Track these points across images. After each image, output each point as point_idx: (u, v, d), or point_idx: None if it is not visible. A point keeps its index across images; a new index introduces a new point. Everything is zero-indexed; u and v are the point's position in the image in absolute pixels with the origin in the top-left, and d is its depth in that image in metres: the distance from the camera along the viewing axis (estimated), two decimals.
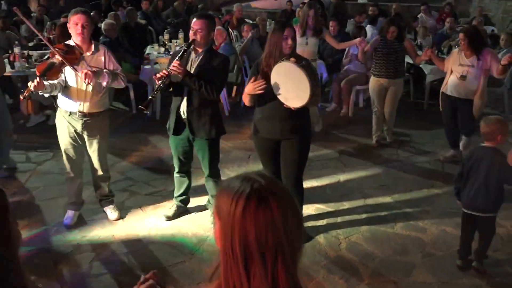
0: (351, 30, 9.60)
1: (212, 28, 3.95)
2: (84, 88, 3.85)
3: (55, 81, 3.77)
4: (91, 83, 3.75)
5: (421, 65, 7.75)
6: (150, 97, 3.80)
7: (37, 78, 3.57)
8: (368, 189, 5.00)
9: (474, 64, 5.32)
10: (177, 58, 3.78)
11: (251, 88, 3.60)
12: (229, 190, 1.24)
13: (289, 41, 3.61)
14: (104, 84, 3.86)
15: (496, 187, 3.52)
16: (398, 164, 5.67)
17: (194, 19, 3.87)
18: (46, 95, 3.84)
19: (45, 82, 3.66)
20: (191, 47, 3.88)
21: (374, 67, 6.17)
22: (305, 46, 6.11)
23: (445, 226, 4.32)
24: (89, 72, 3.69)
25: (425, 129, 6.72)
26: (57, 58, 3.68)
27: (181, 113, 3.96)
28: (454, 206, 4.56)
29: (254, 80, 3.59)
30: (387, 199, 4.80)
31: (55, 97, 4.06)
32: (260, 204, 1.20)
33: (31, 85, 3.56)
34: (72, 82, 3.85)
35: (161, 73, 3.74)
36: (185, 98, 3.91)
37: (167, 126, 4.14)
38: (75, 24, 3.79)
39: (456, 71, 5.41)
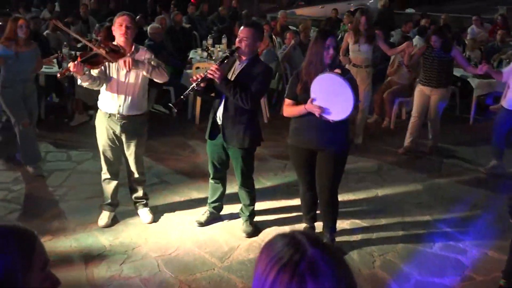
0: (397, 40, 9.39)
1: (259, 38, 3.91)
2: (123, 89, 3.90)
3: (94, 74, 3.84)
4: (131, 68, 3.77)
5: (468, 79, 7.49)
6: (181, 96, 3.82)
7: (77, 61, 3.66)
8: (407, 205, 4.83)
9: None
10: (217, 62, 3.79)
11: (313, 108, 3.52)
12: (270, 250, 1.10)
13: (331, 51, 3.55)
14: (144, 73, 3.85)
15: None
16: (439, 181, 5.46)
17: (242, 27, 3.86)
18: (84, 84, 3.88)
19: (85, 70, 3.73)
20: (235, 54, 3.86)
21: (420, 75, 6.12)
22: (358, 52, 6.05)
23: (487, 249, 4.11)
24: (129, 59, 3.73)
25: (470, 145, 6.48)
26: (101, 51, 3.76)
27: (217, 118, 3.95)
28: (499, 228, 4.37)
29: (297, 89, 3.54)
30: (426, 217, 4.62)
31: (98, 98, 4.13)
32: (292, 280, 1.03)
33: (70, 65, 3.66)
34: (113, 82, 3.92)
35: (197, 75, 3.76)
36: (222, 104, 3.90)
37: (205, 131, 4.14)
38: (119, 25, 3.87)
39: None
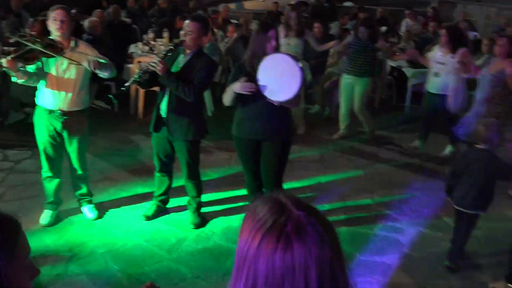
0: (336, 32, 9.66)
1: (204, 33, 3.93)
2: (63, 85, 3.82)
3: (30, 70, 3.73)
4: (96, 68, 3.70)
5: (403, 69, 7.84)
6: (122, 88, 3.81)
7: (10, 56, 3.51)
8: (348, 190, 5.03)
9: (448, 61, 5.51)
10: (160, 54, 3.78)
11: (240, 86, 3.58)
12: (253, 215, 1.05)
13: (273, 42, 3.63)
14: (92, 67, 3.76)
15: (485, 188, 3.64)
16: (378, 166, 5.72)
17: (187, 21, 3.86)
18: (20, 81, 3.75)
19: (19, 66, 3.59)
20: (179, 47, 3.86)
21: (345, 64, 6.39)
22: (288, 46, 6.16)
23: (423, 227, 4.36)
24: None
25: (407, 132, 6.78)
26: (37, 46, 3.63)
27: (161, 111, 3.95)
28: (432, 207, 4.66)
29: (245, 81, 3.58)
30: (366, 201, 4.83)
31: (34, 95, 4.01)
32: (278, 242, 0.99)
33: (3, 61, 3.51)
34: (52, 78, 3.82)
35: (139, 68, 3.76)
36: (165, 97, 3.90)
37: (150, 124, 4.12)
38: (53, 20, 3.77)
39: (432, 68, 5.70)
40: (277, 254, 0.97)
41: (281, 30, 6.34)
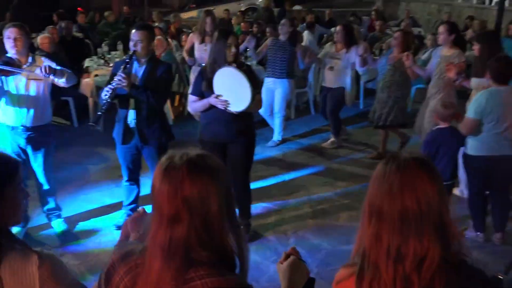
0: None
1: (152, 38, 4.04)
2: (24, 101, 3.83)
3: None
4: (48, 72, 3.71)
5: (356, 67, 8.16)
6: (99, 113, 3.83)
7: None
8: (312, 186, 5.23)
9: (342, 57, 5.98)
10: (120, 70, 3.81)
11: (215, 101, 3.73)
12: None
13: (233, 49, 3.76)
14: (56, 79, 3.79)
15: (455, 158, 4.16)
16: (339, 161, 5.96)
17: (134, 31, 3.95)
18: None
19: None
20: (133, 58, 3.95)
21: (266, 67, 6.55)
22: (204, 52, 6.06)
23: None
24: (47, 66, 3.68)
25: (362, 128, 7.07)
26: None
27: (129, 123, 4.01)
28: None
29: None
30: (330, 194, 5.04)
31: None
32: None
33: None
34: (13, 95, 3.82)
35: (107, 88, 3.79)
36: (131, 108, 3.96)
37: (114, 136, 4.17)
38: (7, 38, 3.78)
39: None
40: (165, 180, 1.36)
41: (196, 37, 6.40)
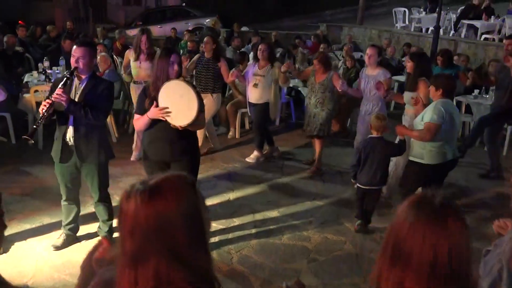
0: (232, 55, 10.03)
1: (94, 55, 3.99)
2: None
3: None
4: None
5: (299, 88, 8.39)
6: (34, 126, 3.73)
7: None
8: (256, 205, 5.27)
9: (267, 73, 6.33)
10: (60, 86, 3.73)
11: (156, 112, 3.69)
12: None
13: (175, 67, 3.77)
14: None
15: (386, 166, 4.70)
16: (282, 180, 6.05)
17: (75, 47, 3.88)
18: None
19: None
20: (74, 74, 3.87)
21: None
22: (139, 69, 6.29)
23: (327, 233, 4.70)
24: None
25: (305, 147, 7.22)
26: None
27: (67, 140, 3.92)
28: (333, 215, 5.05)
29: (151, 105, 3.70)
30: (274, 213, 5.10)
31: None
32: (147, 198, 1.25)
33: None
34: None
35: (44, 103, 3.69)
36: (70, 125, 3.89)
37: (52, 154, 4.06)
38: None
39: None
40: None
41: (131, 53, 6.48)
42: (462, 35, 13.02)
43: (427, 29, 14.18)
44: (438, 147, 4.41)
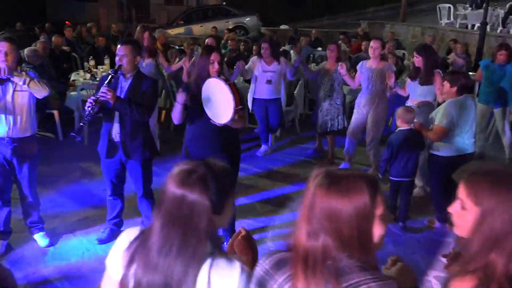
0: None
1: (137, 53, 4.07)
2: (10, 112, 3.83)
3: None
4: (6, 76, 3.71)
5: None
6: (81, 123, 3.84)
7: None
8: (297, 203, 5.24)
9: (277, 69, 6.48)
10: (105, 84, 3.84)
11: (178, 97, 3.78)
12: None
13: (216, 65, 3.82)
14: (21, 83, 3.79)
15: (416, 157, 4.76)
16: None
17: (119, 45, 3.98)
18: None
19: None
20: (118, 72, 3.97)
21: None
22: (142, 68, 6.11)
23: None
24: (5, 68, 3.68)
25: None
26: None
27: (113, 136, 4.03)
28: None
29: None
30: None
31: None
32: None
33: None
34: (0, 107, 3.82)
35: (90, 100, 3.78)
36: (116, 122, 3.99)
37: (98, 150, 4.18)
38: None
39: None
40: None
41: None
42: (511, 32, 12.57)
43: (473, 26, 13.77)
44: (454, 141, 4.48)
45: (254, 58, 6.74)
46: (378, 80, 5.78)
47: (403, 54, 11.55)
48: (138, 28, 6.65)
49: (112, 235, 4.38)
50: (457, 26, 14.60)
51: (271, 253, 1.55)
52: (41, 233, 4.29)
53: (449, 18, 15.41)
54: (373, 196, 1.38)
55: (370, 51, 5.88)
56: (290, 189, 5.64)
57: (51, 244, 4.27)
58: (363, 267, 1.35)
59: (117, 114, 3.96)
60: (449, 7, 15.51)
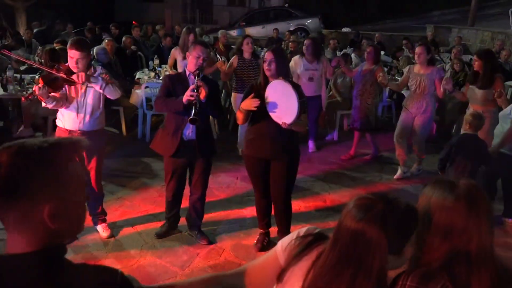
0: (332, 57, 9.91)
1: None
2: (82, 107, 4.04)
3: (56, 95, 3.95)
4: (84, 81, 3.92)
5: (402, 91, 8.09)
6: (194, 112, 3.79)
7: (40, 84, 3.76)
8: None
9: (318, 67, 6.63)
10: (195, 83, 3.84)
11: (248, 103, 3.78)
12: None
13: (271, 64, 3.82)
14: (98, 88, 4.00)
15: (476, 166, 4.58)
16: (381, 183, 5.90)
17: (201, 47, 4.03)
18: (49, 106, 3.98)
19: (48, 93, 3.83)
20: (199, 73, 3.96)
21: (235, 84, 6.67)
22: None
23: None
24: (83, 74, 3.89)
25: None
26: (61, 75, 3.87)
27: (185, 135, 4.09)
28: None
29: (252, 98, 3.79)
30: None
31: (46, 118, 4.19)
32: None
33: (35, 89, 3.77)
34: (73, 101, 4.04)
35: (189, 94, 3.80)
36: (188, 121, 3.88)
37: (162, 148, 4.22)
38: (70, 58, 3.96)
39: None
40: None
41: (178, 53, 6.67)
42: None
43: None
44: None
45: (296, 58, 6.83)
46: (425, 85, 5.81)
47: (470, 59, 11.09)
48: (184, 30, 6.83)
49: (170, 231, 4.49)
50: None
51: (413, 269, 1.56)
52: (103, 224, 4.47)
53: None
54: None
55: (415, 57, 5.92)
56: (347, 193, 5.55)
57: (112, 235, 4.43)
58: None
59: (191, 113, 3.89)
60: None
